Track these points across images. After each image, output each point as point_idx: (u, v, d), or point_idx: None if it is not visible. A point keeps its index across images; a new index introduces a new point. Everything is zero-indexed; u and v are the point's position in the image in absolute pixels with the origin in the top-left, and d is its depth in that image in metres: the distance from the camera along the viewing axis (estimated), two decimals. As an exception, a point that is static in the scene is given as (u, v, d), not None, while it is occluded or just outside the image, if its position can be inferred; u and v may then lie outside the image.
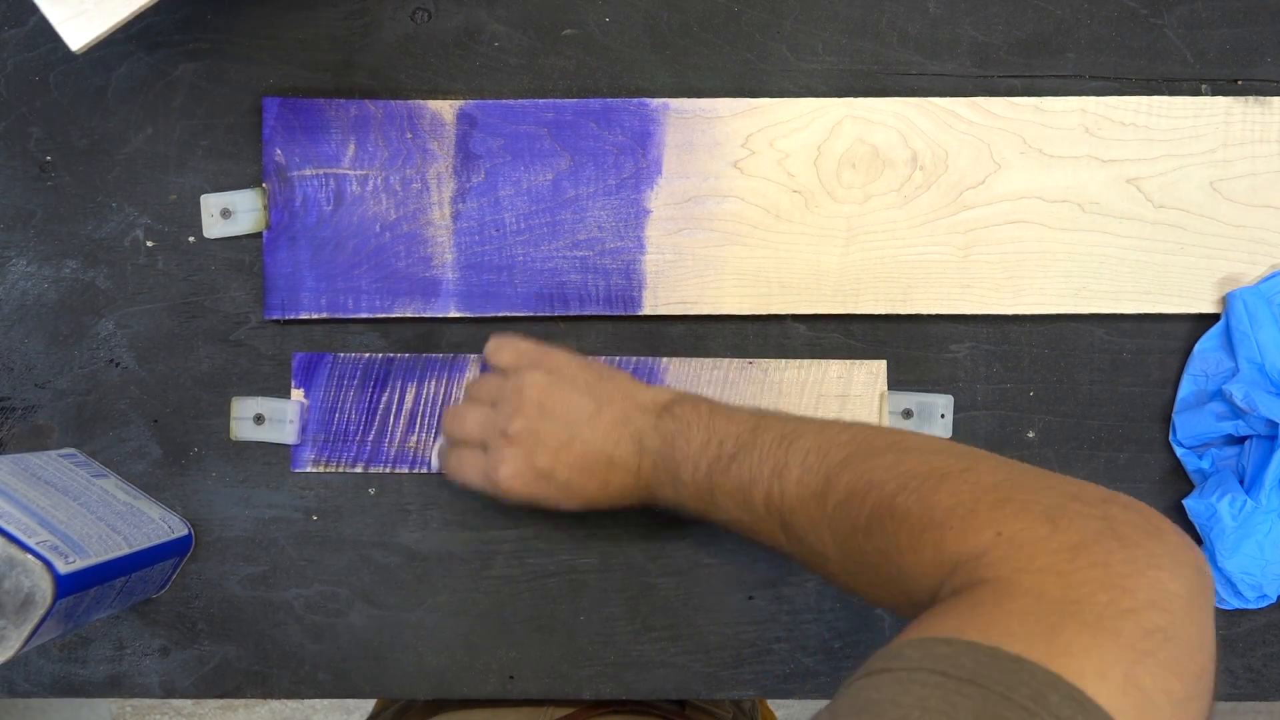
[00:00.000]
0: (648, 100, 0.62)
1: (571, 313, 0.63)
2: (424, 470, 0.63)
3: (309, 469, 0.63)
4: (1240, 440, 0.61)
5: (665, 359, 0.63)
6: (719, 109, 0.62)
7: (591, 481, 0.54)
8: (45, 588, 0.49)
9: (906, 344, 0.63)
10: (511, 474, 0.54)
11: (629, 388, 0.56)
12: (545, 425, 0.54)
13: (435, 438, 0.63)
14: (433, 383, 0.63)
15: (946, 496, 0.42)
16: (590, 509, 0.56)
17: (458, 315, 0.63)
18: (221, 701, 1.36)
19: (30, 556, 0.49)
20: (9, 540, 0.49)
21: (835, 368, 0.63)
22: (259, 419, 0.63)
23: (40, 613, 0.49)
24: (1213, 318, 0.62)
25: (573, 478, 0.54)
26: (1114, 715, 0.32)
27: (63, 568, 0.50)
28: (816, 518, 0.47)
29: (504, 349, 0.58)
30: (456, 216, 0.63)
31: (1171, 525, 0.39)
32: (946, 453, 0.45)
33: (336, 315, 0.63)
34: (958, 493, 0.41)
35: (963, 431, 0.63)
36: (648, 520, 0.63)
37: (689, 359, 0.63)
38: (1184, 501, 0.61)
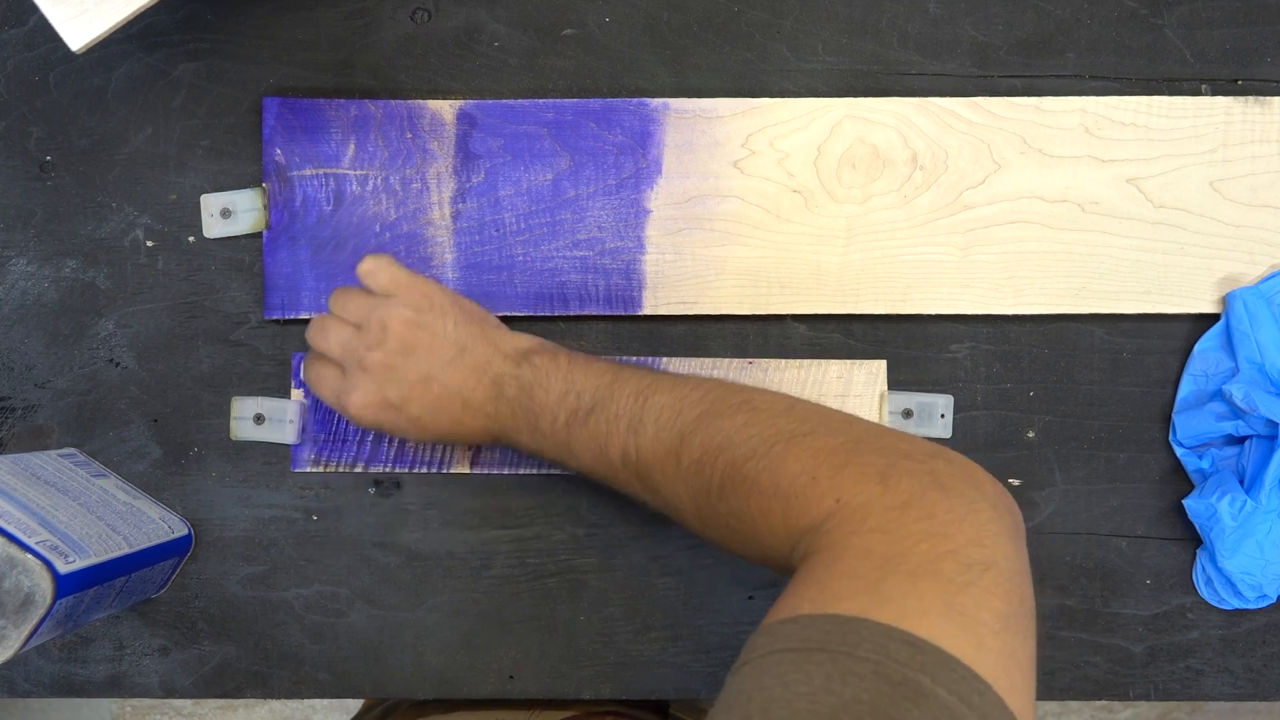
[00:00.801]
0: (648, 100, 0.62)
1: (571, 313, 0.63)
2: (424, 470, 0.63)
3: (309, 469, 0.63)
4: (1240, 440, 0.61)
5: (665, 359, 0.63)
6: (719, 109, 0.62)
7: (442, 419, 0.55)
8: (45, 588, 0.49)
9: (906, 344, 0.63)
10: (361, 403, 0.55)
11: (494, 334, 0.56)
12: (403, 361, 0.55)
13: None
14: (433, 383, 0.63)
15: (793, 463, 0.44)
16: (439, 443, 0.59)
17: (458, 315, 0.63)
18: (221, 701, 1.36)
19: (30, 556, 0.49)
20: (9, 540, 0.49)
21: (835, 368, 0.63)
22: (259, 419, 0.63)
23: (40, 613, 0.49)
24: (1213, 318, 0.62)
25: (424, 414, 0.55)
26: (941, 643, 0.35)
27: (63, 568, 0.50)
28: (671, 474, 0.49)
29: (380, 273, 0.57)
30: (456, 216, 0.63)
31: (988, 475, 0.43)
32: (791, 414, 0.47)
33: (336, 315, 0.63)
34: (801, 459, 0.44)
35: (962, 431, 0.63)
36: (648, 520, 0.63)
37: (689, 359, 0.63)
38: (1184, 501, 0.61)
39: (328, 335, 0.57)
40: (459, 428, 0.56)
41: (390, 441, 0.63)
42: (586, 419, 0.52)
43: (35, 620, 0.49)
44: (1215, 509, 0.59)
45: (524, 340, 0.56)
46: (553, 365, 0.54)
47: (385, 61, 0.63)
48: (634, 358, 0.63)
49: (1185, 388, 0.62)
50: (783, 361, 0.63)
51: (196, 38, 0.63)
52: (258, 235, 0.63)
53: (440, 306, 0.56)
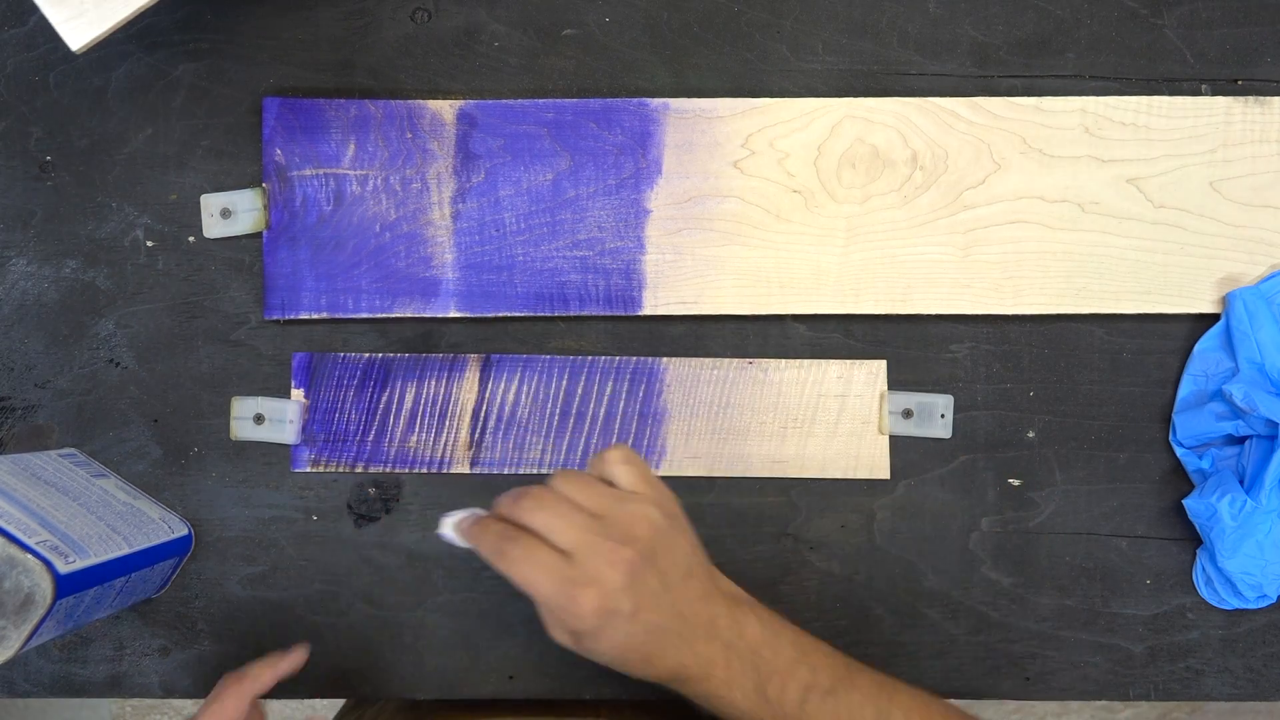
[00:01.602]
0: (648, 100, 0.62)
1: (571, 312, 0.63)
2: (424, 470, 0.63)
3: (309, 469, 0.63)
4: (1240, 440, 0.61)
5: (665, 359, 0.63)
6: (719, 109, 0.62)
7: (654, 641, 0.49)
8: (45, 588, 0.49)
9: (906, 344, 0.63)
10: (598, 601, 0.48)
11: (713, 568, 0.53)
12: (646, 568, 0.49)
13: (443, 515, 0.54)
14: (432, 383, 0.63)
15: None
16: (625, 670, 0.51)
17: (458, 315, 0.63)
18: (221, 701, 1.36)
19: (30, 556, 0.49)
20: (9, 540, 0.49)
21: (835, 368, 0.63)
22: (259, 419, 0.63)
23: (40, 613, 0.49)
24: (1213, 318, 0.62)
25: (644, 631, 0.49)
26: None
27: (63, 568, 0.50)
28: None
29: (634, 466, 0.52)
30: (456, 216, 0.63)
31: None
32: None
33: (336, 315, 0.63)
34: None
35: (962, 431, 0.63)
36: (648, 520, 0.63)
37: (689, 359, 0.63)
38: (1184, 501, 0.61)
39: (559, 516, 0.49)
40: (660, 657, 0.50)
41: (390, 441, 0.63)
42: (825, 699, 0.49)
43: (35, 620, 0.49)
44: (1215, 509, 0.59)
45: (735, 587, 0.53)
46: (779, 626, 0.51)
47: (385, 61, 0.63)
48: (634, 358, 0.63)
49: (1185, 388, 0.62)
50: (783, 361, 0.63)
51: (196, 38, 0.63)
52: (258, 235, 0.63)
53: (681, 519, 0.52)
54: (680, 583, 0.50)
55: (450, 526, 0.53)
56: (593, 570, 0.48)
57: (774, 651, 0.50)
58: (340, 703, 0.77)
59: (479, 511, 0.53)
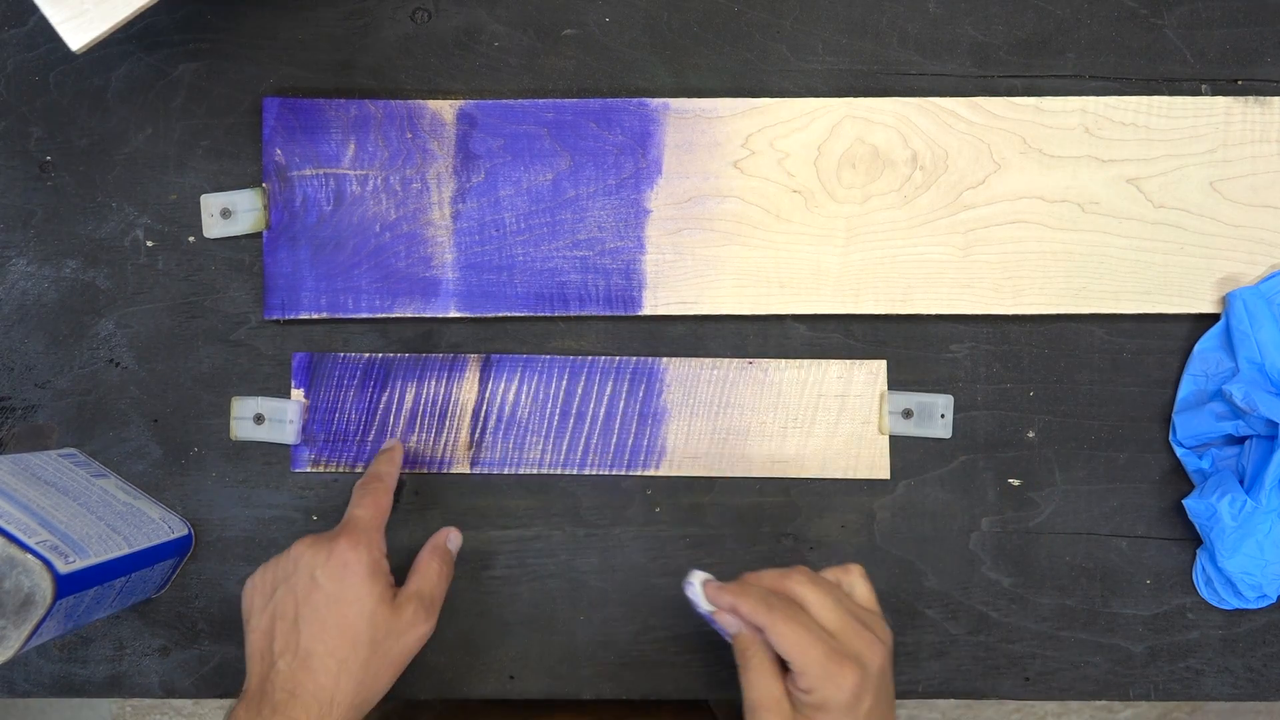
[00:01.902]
0: (648, 100, 0.62)
1: (571, 312, 0.63)
2: (424, 470, 0.63)
3: (309, 469, 0.63)
4: (1240, 440, 0.61)
5: (665, 359, 0.63)
6: (719, 109, 0.62)
7: None
8: (45, 588, 0.49)
9: (906, 344, 0.63)
10: (858, 679, 0.49)
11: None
12: (887, 674, 0.52)
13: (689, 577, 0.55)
14: (432, 383, 0.63)
15: None
16: None
17: (458, 315, 0.63)
18: (221, 701, 1.36)
19: (30, 556, 0.49)
20: (9, 540, 0.49)
21: (835, 368, 0.63)
22: (259, 419, 0.63)
23: (40, 613, 0.49)
24: (1213, 318, 0.62)
25: None
26: None
27: (63, 568, 0.50)
28: None
29: (870, 585, 0.54)
30: (456, 216, 0.63)
31: None
32: None
33: (336, 315, 0.63)
34: None
35: (962, 431, 0.63)
36: (648, 520, 0.63)
37: (689, 359, 0.63)
38: (1184, 501, 0.61)
39: (828, 595, 0.52)
40: None
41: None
42: None
43: (35, 620, 0.49)
44: (1215, 509, 0.59)
45: None
46: None
47: (385, 61, 0.63)
48: (634, 358, 0.63)
49: (1185, 388, 0.62)
50: (783, 362, 0.63)
51: (196, 38, 0.63)
52: (258, 235, 0.63)
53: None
54: (889, 705, 0.52)
55: (699, 583, 0.54)
56: (855, 650, 0.50)
57: None
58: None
59: (711, 578, 0.55)
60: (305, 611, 0.53)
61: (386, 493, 0.59)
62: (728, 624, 0.53)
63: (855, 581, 0.54)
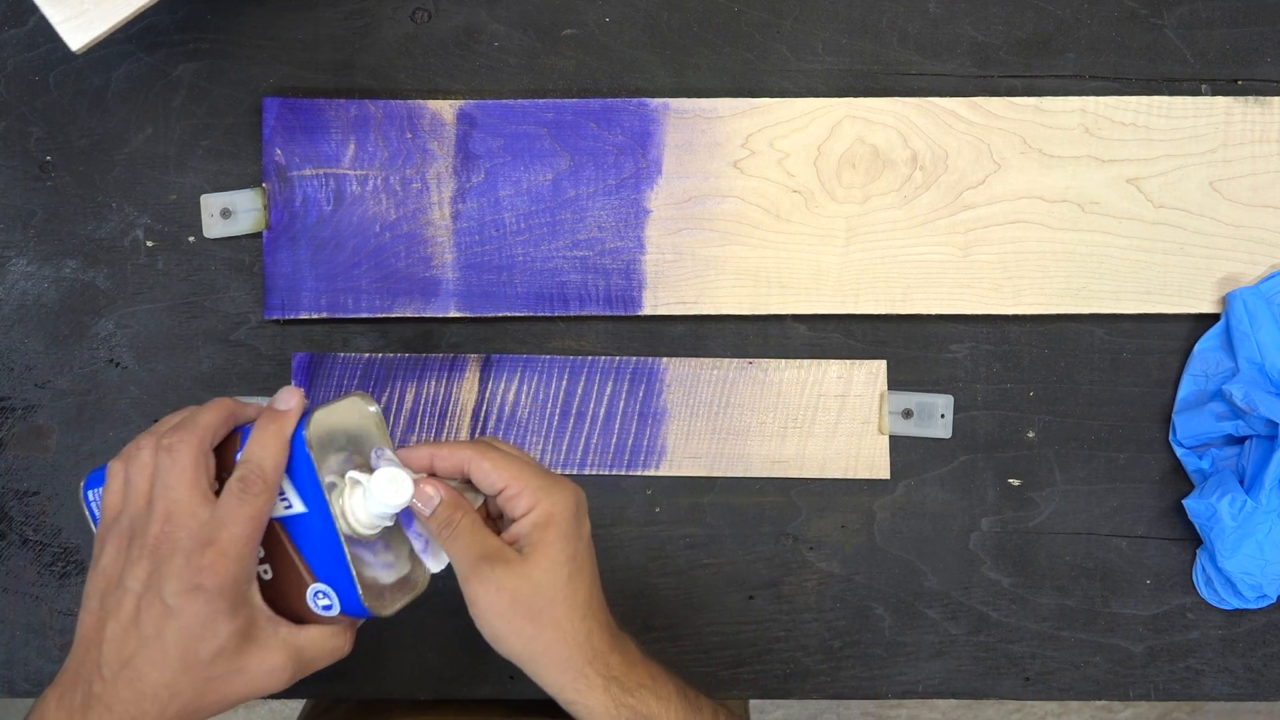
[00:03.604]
0: (648, 100, 0.62)
1: (571, 313, 0.63)
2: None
3: (309, 469, 0.63)
4: (1240, 440, 0.61)
5: (665, 359, 0.63)
6: (719, 109, 0.62)
7: None
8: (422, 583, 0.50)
9: (906, 344, 0.63)
10: None
11: None
12: None
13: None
14: (432, 383, 0.63)
15: None
16: None
17: (458, 315, 0.63)
18: (221, 701, 1.36)
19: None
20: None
21: (835, 368, 0.63)
22: (259, 419, 0.63)
23: (414, 597, 0.50)
24: (1213, 318, 0.62)
25: None
26: None
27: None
28: None
29: None
30: (456, 216, 0.63)
31: None
32: None
33: (336, 315, 0.63)
34: None
35: (962, 431, 0.63)
36: (648, 520, 0.63)
37: (689, 359, 0.63)
38: (1184, 501, 0.61)
39: (515, 449, 0.52)
40: None
41: (390, 441, 0.63)
42: None
43: (408, 600, 0.49)
44: (1215, 509, 0.59)
45: None
46: None
47: (385, 61, 0.63)
48: (634, 358, 0.63)
49: (1185, 388, 0.62)
50: (783, 362, 0.63)
51: (196, 38, 0.63)
52: (258, 235, 0.63)
53: None
54: (593, 555, 0.52)
55: (386, 464, 0.49)
56: (560, 477, 0.51)
57: None
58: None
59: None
60: (149, 630, 0.45)
61: (267, 495, 0.46)
62: (426, 499, 0.47)
63: None
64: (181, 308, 0.63)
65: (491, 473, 0.48)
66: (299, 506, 0.47)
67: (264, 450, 0.46)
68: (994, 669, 0.63)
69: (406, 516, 0.49)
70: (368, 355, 0.63)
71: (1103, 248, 0.62)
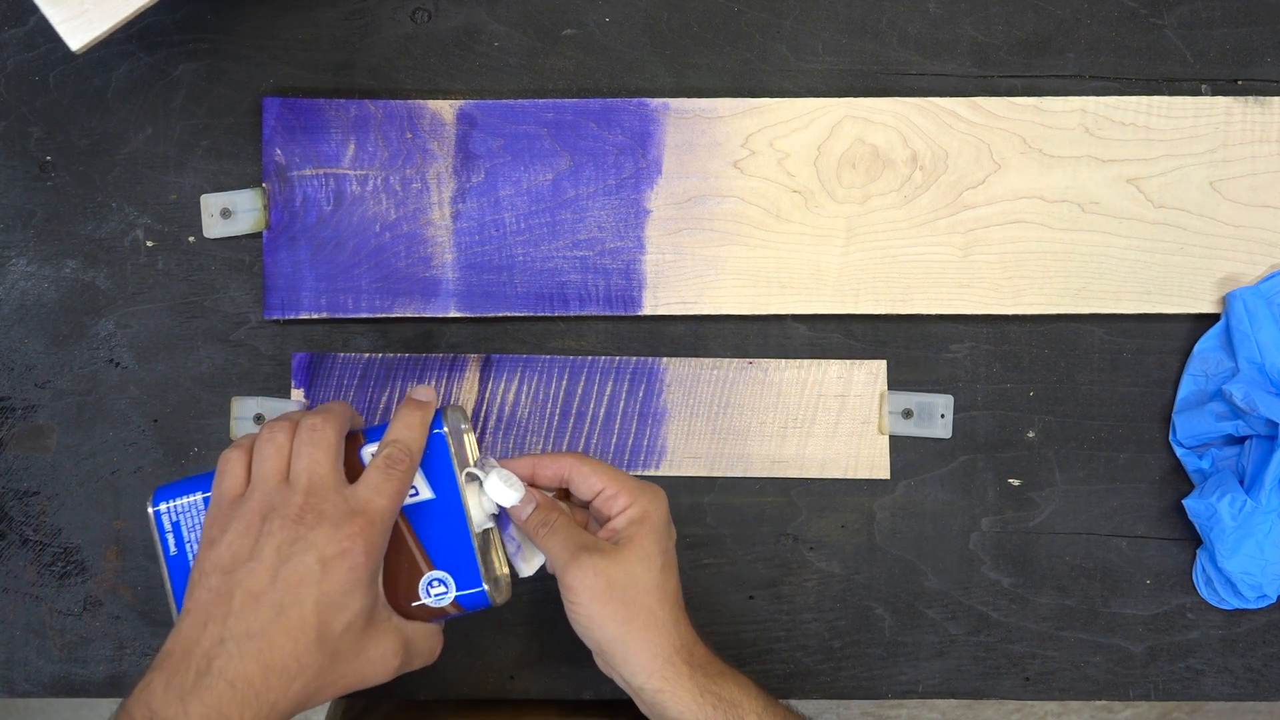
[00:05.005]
0: (648, 100, 0.62)
1: (571, 313, 0.63)
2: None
3: (309, 469, 0.63)
4: (1240, 440, 0.61)
5: (665, 359, 0.63)
6: (719, 109, 0.62)
7: None
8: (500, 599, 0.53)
9: (906, 344, 0.63)
10: None
11: None
12: None
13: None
14: (432, 383, 0.63)
15: None
16: None
17: (457, 315, 0.63)
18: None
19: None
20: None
21: (835, 368, 0.63)
22: (259, 419, 0.63)
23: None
24: (1213, 318, 0.62)
25: None
26: None
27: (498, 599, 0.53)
28: None
29: None
30: (456, 216, 0.63)
31: None
32: None
33: (336, 315, 0.63)
34: None
35: (962, 431, 0.63)
36: (648, 520, 0.63)
37: (689, 359, 0.63)
38: (1184, 501, 0.61)
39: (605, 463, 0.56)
40: None
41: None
42: None
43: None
44: (1215, 509, 0.59)
45: None
46: None
47: (385, 61, 0.63)
48: (634, 358, 0.63)
49: (1185, 388, 0.62)
50: (783, 361, 0.63)
51: (196, 38, 0.63)
52: (258, 235, 0.63)
53: None
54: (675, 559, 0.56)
55: (495, 473, 0.53)
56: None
57: None
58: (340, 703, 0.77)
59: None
60: (286, 598, 0.46)
61: (410, 475, 0.51)
62: (528, 500, 0.52)
63: None
64: (181, 308, 0.63)
65: (591, 475, 0.53)
66: (426, 493, 0.52)
67: (410, 432, 0.51)
68: (994, 669, 0.63)
69: (504, 521, 0.54)
70: (368, 355, 0.63)
71: (1103, 248, 0.62)
